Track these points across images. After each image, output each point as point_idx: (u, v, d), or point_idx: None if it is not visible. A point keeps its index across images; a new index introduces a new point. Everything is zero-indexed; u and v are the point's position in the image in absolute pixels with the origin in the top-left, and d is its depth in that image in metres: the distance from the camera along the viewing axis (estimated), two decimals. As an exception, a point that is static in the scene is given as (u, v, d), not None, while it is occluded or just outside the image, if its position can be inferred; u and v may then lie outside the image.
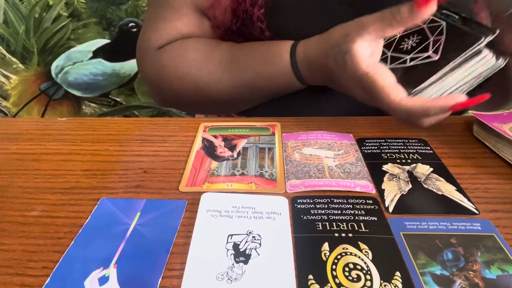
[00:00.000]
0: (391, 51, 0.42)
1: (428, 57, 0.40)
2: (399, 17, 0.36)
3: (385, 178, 0.37)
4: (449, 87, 0.40)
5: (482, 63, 0.38)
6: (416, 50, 0.41)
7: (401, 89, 0.38)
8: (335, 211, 0.33)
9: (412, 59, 0.41)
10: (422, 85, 0.39)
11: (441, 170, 0.38)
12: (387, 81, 0.38)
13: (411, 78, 0.40)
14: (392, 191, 0.35)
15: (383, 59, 0.42)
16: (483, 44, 0.37)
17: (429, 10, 0.36)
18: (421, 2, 0.35)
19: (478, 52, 0.38)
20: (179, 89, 0.52)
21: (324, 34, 0.43)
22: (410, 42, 0.42)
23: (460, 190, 0.35)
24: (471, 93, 0.40)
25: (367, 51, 0.38)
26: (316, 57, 0.44)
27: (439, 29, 0.40)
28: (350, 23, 0.40)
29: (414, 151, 0.41)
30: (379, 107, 0.40)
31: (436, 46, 0.40)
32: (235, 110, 0.58)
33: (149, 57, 0.54)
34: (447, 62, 0.38)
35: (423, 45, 0.40)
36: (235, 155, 0.41)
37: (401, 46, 0.43)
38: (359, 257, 0.28)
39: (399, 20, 0.36)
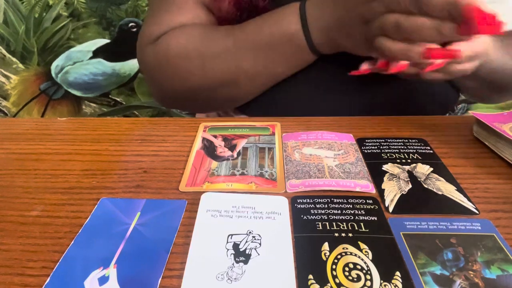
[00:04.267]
0: None
1: None
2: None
3: (385, 178, 0.37)
4: None
5: None
6: None
7: None
8: (335, 211, 0.33)
9: None
10: None
11: (441, 170, 0.38)
12: None
13: None
14: (392, 191, 0.35)
15: None
16: None
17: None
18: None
19: None
20: (184, 71, 0.49)
21: None
22: None
23: (460, 190, 0.35)
24: None
25: None
26: None
27: None
28: None
29: (414, 151, 0.41)
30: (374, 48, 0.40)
31: None
32: (240, 94, 0.54)
33: (150, 48, 0.52)
34: None
35: None
36: (235, 155, 0.41)
37: None
38: (359, 257, 0.28)
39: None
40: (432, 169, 0.38)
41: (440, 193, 0.35)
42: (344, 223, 0.31)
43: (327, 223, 0.31)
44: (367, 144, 0.43)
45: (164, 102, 0.58)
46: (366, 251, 0.29)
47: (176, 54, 0.49)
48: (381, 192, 0.35)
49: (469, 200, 0.34)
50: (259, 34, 0.46)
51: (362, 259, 0.28)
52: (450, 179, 0.37)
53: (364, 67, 0.43)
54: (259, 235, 0.30)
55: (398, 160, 0.40)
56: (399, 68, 0.39)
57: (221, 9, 0.50)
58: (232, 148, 0.42)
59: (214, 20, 0.52)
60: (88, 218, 0.32)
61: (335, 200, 0.34)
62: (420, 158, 0.40)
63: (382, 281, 0.26)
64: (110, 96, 1.36)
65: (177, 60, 0.49)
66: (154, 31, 0.52)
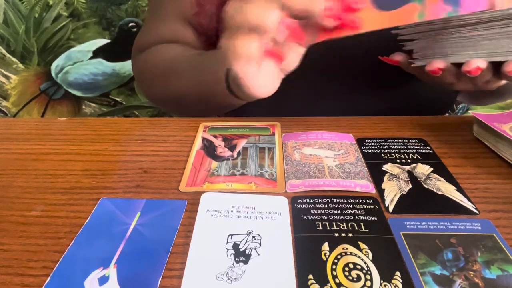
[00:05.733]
0: None
1: None
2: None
3: (385, 178, 0.37)
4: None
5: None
6: None
7: None
8: (335, 211, 0.33)
9: None
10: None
11: (441, 170, 0.38)
12: None
13: None
14: (392, 191, 0.35)
15: None
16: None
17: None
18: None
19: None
20: (153, 84, 0.55)
21: None
22: None
23: (460, 190, 0.35)
24: None
25: None
26: None
27: None
28: None
29: (414, 151, 0.41)
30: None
31: None
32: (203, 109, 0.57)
33: (137, 57, 0.58)
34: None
35: None
36: (235, 155, 0.41)
37: None
38: (359, 257, 0.28)
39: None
40: (432, 169, 0.38)
41: (440, 193, 0.35)
42: (344, 223, 0.31)
43: (327, 223, 0.31)
44: (367, 144, 0.43)
45: (151, 101, 0.64)
46: (366, 251, 0.29)
47: (149, 71, 0.55)
48: (381, 192, 0.35)
49: (469, 200, 0.34)
50: (202, 68, 0.48)
51: (362, 259, 0.28)
52: (450, 179, 0.37)
53: (397, 58, 0.42)
54: (259, 235, 0.30)
55: (398, 160, 0.40)
56: (436, 70, 0.39)
57: (202, 23, 0.53)
58: (232, 148, 0.42)
59: (192, 34, 0.56)
60: (88, 218, 0.32)
61: (335, 200, 0.34)
62: (420, 158, 0.40)
63: (382, 281, 0.26)
64: (110, 96, 1.36)
65: (149, 75, 0.55)
66: (142, 40, 0.58)
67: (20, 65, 1.28)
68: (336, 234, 0.30)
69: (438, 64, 0.38)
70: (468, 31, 0.37)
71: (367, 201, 0.34)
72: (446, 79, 0.40)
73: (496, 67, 0.37)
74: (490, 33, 0.36)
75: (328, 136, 0.44)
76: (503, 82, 0.40)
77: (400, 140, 0.43)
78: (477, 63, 0.36)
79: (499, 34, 0.35)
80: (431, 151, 0.41)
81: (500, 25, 0.35)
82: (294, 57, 0.33)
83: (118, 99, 1.36)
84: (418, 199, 0.34)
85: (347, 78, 0.52)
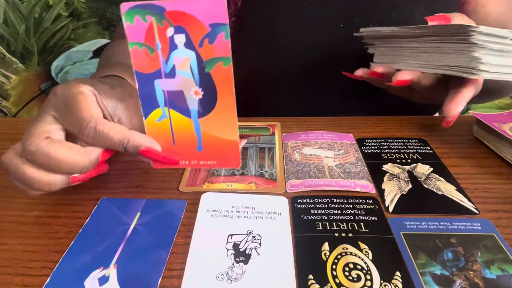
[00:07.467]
0: None
1: None
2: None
3: (385, 178, 0.37)
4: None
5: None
6: None
7: None
8: (335, 211, 0.33)
9: None
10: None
11: (441, 170, 0.38)
12: None
13: None
14: (392, 191, 0.35)
15: None
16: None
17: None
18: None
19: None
20: None
21: None
22: None
23: (460, 190, 0.35)
24: None
25: None
26: None
27: None
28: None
29: (414, 151, 0.41)
30: None
31: None
32: None
33: None
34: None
35: None
36: (235, 155, 0.41)
37: None
38: (359, 257, 0.28)
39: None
40: (432, 169, 0.38)
41: (440, 193, 0.35)
42: (344, 223, 0.31)
43: (327, 223, 0.31)
44: (367, 144, 0.43)
45: None
46: (366, 251, 0.29)
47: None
48: (381, 192, 0.35)
49: (469, 200, 0.34)
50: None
51: (362, 259, 0.28)
52: (450, 179, 0.37)
53: (359, 73, 0.44)
54: (259, 235, 0.30)
55: (398, 160, 0.40)
56: (401, 82, 0.40)
57: None
58: (232, 148, 0.42)
59: None
60: (88, 218, 0.32)
61: (335, 200, 0.34)
62: (420, 158, 0.40)
63: (382, 281, 0.26)
64: (110, 96, 1.36)
65: None
66: (115, 33, 0.58)
67: (20, 65, 1.28)
68: (336, 234, 0.30)
69: (377, 69, 0.41)
70: (409, 42, 0.39)
71: (367, 201, 0.34)
72: (396, 91, 0.42)
73: (443, 81, 0.40)
74: (425, 46, 0.38)
75: (328, 136, 0.44)
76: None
77: (400, 140, 0.43)
78: (398, 77, 0.39)
79: (430, 48, 0.38)
80: (431, 151, 0.41)
81: (432, 40, 0.37)
82: None
83: (118, 99, 1.36)
84: (418, 199, 0.34)
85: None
